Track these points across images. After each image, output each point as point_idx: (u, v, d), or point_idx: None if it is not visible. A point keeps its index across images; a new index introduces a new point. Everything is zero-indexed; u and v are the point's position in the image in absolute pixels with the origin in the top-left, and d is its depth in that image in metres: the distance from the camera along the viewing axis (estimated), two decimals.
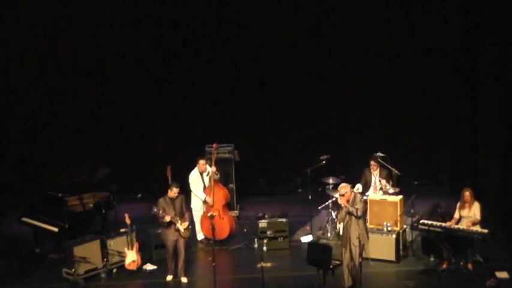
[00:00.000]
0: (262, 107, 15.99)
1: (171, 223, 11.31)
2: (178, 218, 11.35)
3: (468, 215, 11.56)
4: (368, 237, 10.93)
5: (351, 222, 10.72)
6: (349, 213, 10.68)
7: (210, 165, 13.12)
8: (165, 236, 11.47)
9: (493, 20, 13.75)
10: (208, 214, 12.74)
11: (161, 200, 11.39)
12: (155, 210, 11.26)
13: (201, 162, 13.09)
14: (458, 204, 11.75)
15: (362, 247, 10.74)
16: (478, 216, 11.53)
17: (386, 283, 11.52)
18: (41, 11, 15.52)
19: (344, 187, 10.83)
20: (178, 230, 11.37)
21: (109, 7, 15.61)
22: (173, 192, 11.39)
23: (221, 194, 13.09)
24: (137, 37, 15.80)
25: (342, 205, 10.71)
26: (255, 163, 15.88)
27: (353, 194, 10.86)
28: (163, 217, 11.24)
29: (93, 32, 15.67)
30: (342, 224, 11.00)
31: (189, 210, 11.75)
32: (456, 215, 11.71)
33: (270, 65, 15.86)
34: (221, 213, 13.01)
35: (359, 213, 10.61)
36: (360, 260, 10.69)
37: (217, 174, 13.13)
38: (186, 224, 11.43)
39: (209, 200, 12.97)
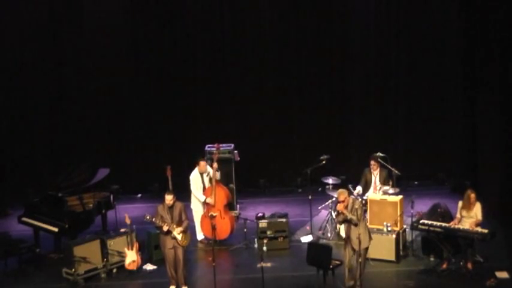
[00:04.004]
0: (262, 107, 16.00)
1: (168, 231, 10.99)
2: (175, 226, 10.96)
3: (469, 215, 11.55)
4: (371, 239, 10.90)
5: (350, 224, 10.70)
6: (347, 221, 10.66)
7: (211, 166, 13.11)
8: (163, 243, 11.11)
9: (493, 20, 13.75)
10: (209, 214, 12.74)
11: (159, 208, 11.05)
12: (147, 217, 10.94)
13: (202, 163, 13.08)
14: (460, 205, 11.73)
15: (364, 249, 10.72)
16: (479, 217, 11.53)
17: (386, 283, 11.50)
18: (42, 9, 15.57)
19: (342, 193, 10.72)
20: (175, 238, 11.02)
21: (110, 7, 15.64)
22: (166, 200, 10.93)
23: (222, 194, 13.08)
24: (137, 37, 15.83)
25: (340, 211, 10.67)
26: (255, 163, 15.89)
27: (352, 199, 10.81)
28: (161, 226, 10.92)
29: (94, 32, 15.69)
30: (341, 224, 10.97)
31: (188, 218, 11.33)
32: (458, 215, 11.72)
33: (270, 64, 15.87)
34: (222, 213, 13.00)
35: (358, 218, 10.55)
36: (361, 260, 10.69)
37: (218, 171, 13.10)
38: (182, 230, 10.96)
39: (210, 200, 12.96)
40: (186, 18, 15.71)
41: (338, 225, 12.66)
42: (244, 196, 15.51)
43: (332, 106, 16.02)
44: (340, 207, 10.64)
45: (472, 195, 11.58)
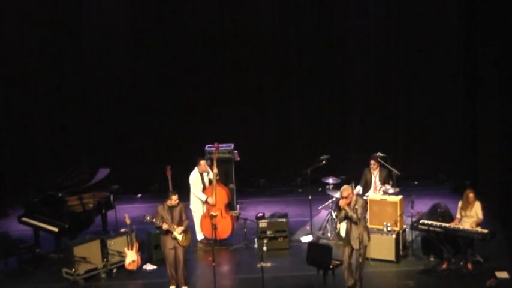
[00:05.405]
0: (262, 107, 15.99)
1: (168, 231, 10.99)
2: (175, 226, 10.95)
3: (470, 215, 11.58)
4: (369, 238, 10.90)
5: (351, 222, 10.70)
6: (348, 218, 10.65)
7: (211, 166, 13.11)
8: (163, 243, 11.10)
9: (493, 20, 13.74)
10: (210, 214, 12.73)
11: (160, 208, 11.04)
12: (148, 218, 10.95)
13: (202, 162, 13.08)
14: (460, 205, 11.76)
15: (364, 248, 10.73)
16: (480, 216, 11.56)
17: (387, 283, 11.50)
18: (43, 10, 15.56)
19: (346, 190, 10.69)
20: (175, 239, 11.01)
21: (110, 7, 15.64)
22: (172, 200, 10.94)
23: (223, 194, 13.08)
24: (137, 37, 15.82)
25: (342, 207, 10.67)
26: (255, 163, 15.88)
27: (355, 197, 10.78)
28: (161, 226, 10.92)
29: (95, 32, 15.68)
30: (342, 223, 10.94)
31: (188, 218, 11.35)
32: (458, 215, 11.73)
33: (270, 64, 15.87)
34: (223, 212, 13.00)
35: (358, 216, 10.55)
36: (361, 260, 10.69)
37: (217, 176, 13.11)
38: (183, 230, 10.98)
39: (211, 200, 12.95)
40: (186, 17, 15.71)
41: (338, 225, 12.65)
42: (244, 196, 15.50)
43: (332, 106, 16.02)
44: (342, 202, 10.63)
45: (471, 195, 11.61)
